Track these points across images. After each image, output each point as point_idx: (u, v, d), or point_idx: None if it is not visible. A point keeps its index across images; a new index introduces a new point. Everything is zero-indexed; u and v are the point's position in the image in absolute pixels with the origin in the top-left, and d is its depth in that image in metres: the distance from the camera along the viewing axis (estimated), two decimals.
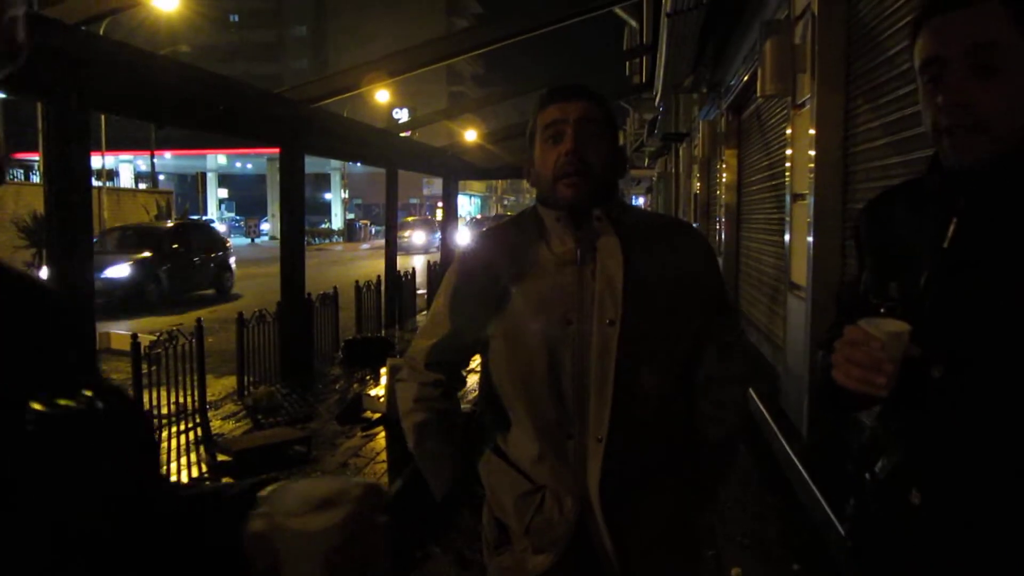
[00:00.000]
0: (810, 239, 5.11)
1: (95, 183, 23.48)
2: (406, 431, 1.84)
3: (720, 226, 11.14)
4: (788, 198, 6.20)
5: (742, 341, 1.90)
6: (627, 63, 24.95)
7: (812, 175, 5.07)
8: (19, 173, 33.12)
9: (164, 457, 5.51)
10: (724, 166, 10.84)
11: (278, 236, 10.50)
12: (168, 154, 45.81)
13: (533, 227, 1.74)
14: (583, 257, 1.66)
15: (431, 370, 1.82)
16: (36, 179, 24.75)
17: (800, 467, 4.64)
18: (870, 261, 1.42)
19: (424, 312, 12.27)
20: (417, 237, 35.52)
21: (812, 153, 5.10)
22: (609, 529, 1.64)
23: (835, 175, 4.95)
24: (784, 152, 6.55)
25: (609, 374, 1.61)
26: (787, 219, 6.27)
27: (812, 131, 5.12)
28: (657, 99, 15.57)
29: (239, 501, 0.71)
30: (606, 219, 1.67)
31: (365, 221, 51.51)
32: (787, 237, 6.24)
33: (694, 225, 10.43)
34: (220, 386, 7.64)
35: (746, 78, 8.21)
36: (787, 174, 6.27)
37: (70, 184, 5.02)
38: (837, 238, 4.92)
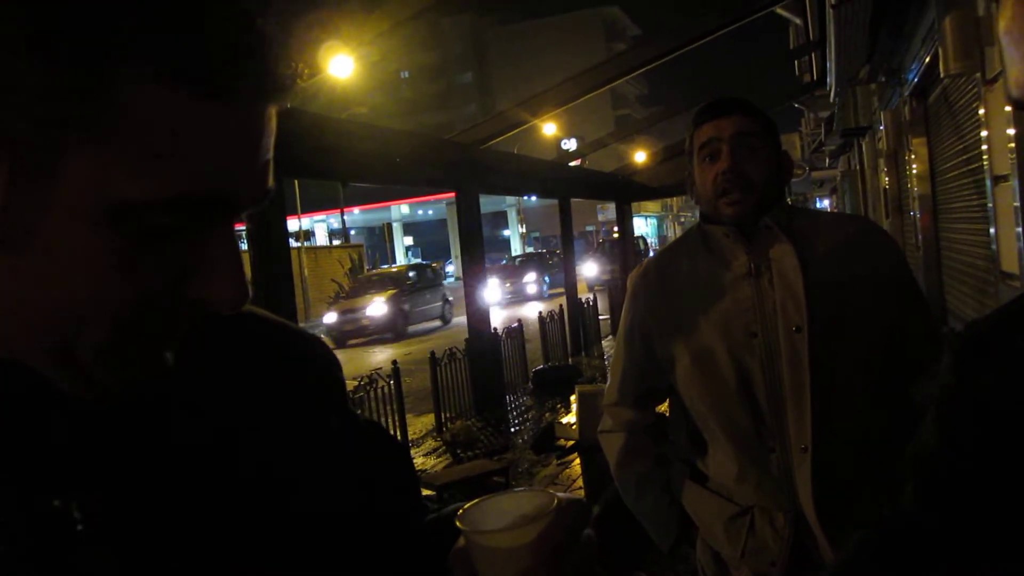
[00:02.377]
0: (1019, 226, 4.70)
1: (294, 244, 25.37)
2: (620, 486, 1.83)
3: (915, 219, 10.44)
4: (988, 182, 5.73)
5: (937, 335, 1.77)
6: (795, 62, 24.00)
7: (1013, 155, 4.67)
8: None
9: None
10: (913, 156, 10.17)
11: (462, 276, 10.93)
12: (356, 210, 48.61)
13: (701, 245, 1.73)
14: (758, 268, 1.62)
15: (632, 408, 1.81)
16: (244, 246, 27.04)
17: None
18: None
19: (610, 337, 12.27)
20: (529, 280, 28.25)
21: (1011, 131, 4.70)
22: (830, 541, 1.56)
23: None
24: (979, 134, 6.08)
25: (804, 381, 1.56)
26: (990, 205, 5.79)
27: (1009, 107, 4.72)
28: (832, 95, 14.88)
29: (444, 520, 0.74)
30: (775, 227, 1.63)
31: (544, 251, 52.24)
32: (992, 223, 5.77)
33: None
34: (420, 424, 7.96)
35: (928, 60, 7.70)
36: (984, 157, 5.80)
37: (271, 245, 5.46)
38: None
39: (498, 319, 10.89)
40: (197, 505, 0.63)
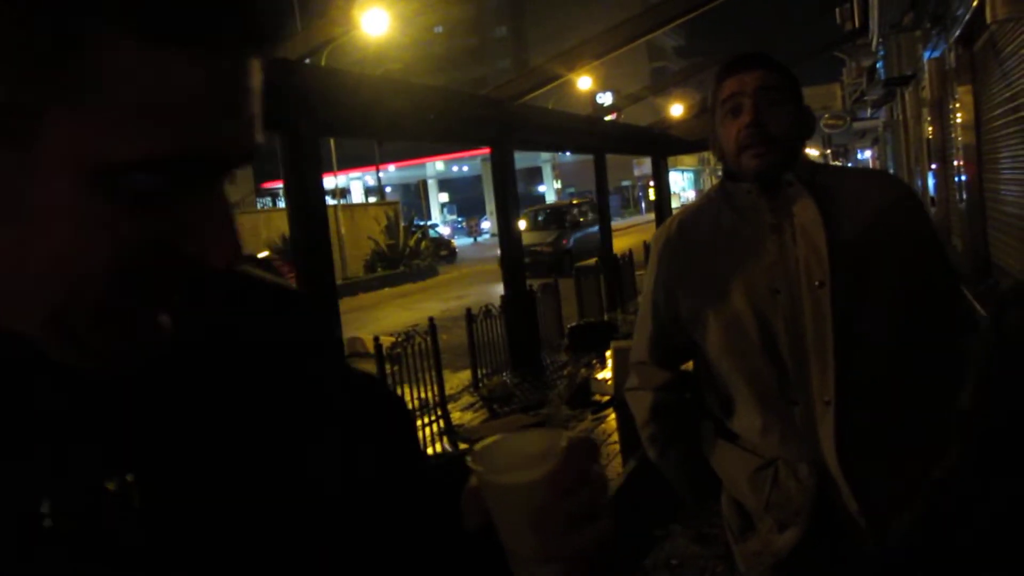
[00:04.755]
0: None
1: (331, 201, 25.47)
2: (645, 443, 1.85)
3: (959, 170, 10.21)
4: None
5: (960, 290, 1.77)
6: (836, 10, 23.38)
7: None
8: (268, 201, 36.60)
9: None
10: (958, 105, 9.90)
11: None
12: (392, 167, 48.73)
13: (724, 202, 1.73)
14: (780, 224, 1.63)
15: (658, 366, 1.83)
16: (283, 204, 27.26)
17: None
18: None
19: None
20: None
21: None
22: (852, 490, 1.58)
23: None
24: None
25: (827, 335, 1.57)
26: None
27: None
28: (874, 43, 14.50)
29: (456, 461, 0.75)
30: (798, 182, 1.63)
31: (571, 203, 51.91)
32: None
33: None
34: (457, 380, 8.05)
35: (974, 4, 7.45)
36: None
37: (308, 204, 5.51)
38: None
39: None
40: (225, 478, 0.64)
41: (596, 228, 17.72)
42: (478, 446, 0.69)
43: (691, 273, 1.73)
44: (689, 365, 1.86)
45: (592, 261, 12.10)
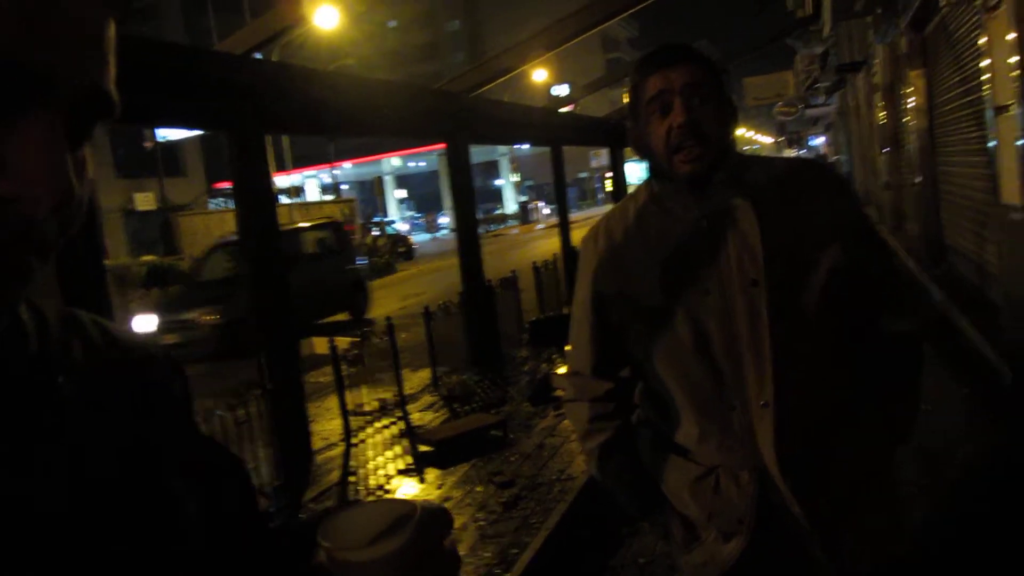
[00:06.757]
0: (1021, 153, 4.57)
1: (285, 200, 25.15)
2: (585, 456, 1.79)
3: (912, 154, 10.31)
4: (990, 113, 5.59)
5: (896, 272, 1.71)
6: None
7: (1017, 83, 4.53)
8: (220, 202, 36.10)
9: (372, 452, 5.77)
10: (910, 90, 10.00)
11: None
12: (348, 164, 48.24)
13: (652, 203, 1.65)
14: (711, 224, 1.56)
15: (594, 376, 1.75)
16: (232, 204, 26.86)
17: None
18: None
19: None
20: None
21: (1014, 59, 4.55)
22: (795, 494, 1.53)
23: None
24: (979, 64, 5.92)
25: (763, 336, 1.51)
26: (990, 135, 5.66)
27: (1012, 35, 4.57)
28: (826, 29, 14.62)
29: (305, 533, 0.70)
30: (730, 180, 1.56)
31: (535, 202, 51.95)
32: (993, 155, 5.64)
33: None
34: (417, 379, 7.92)
35: None
36: (985, 87, 5.65)
37: (256, 203, 5.33)
38: None
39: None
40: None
41: (352, 261, 14.55)
42: (328, 519, 0.68)
43: (621, 279, 1.66)
44: (627, 373, 1.78)
45: (343, 316, 9.96)
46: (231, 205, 27.70)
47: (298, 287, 9.50)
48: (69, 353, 0.63)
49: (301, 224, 15.88)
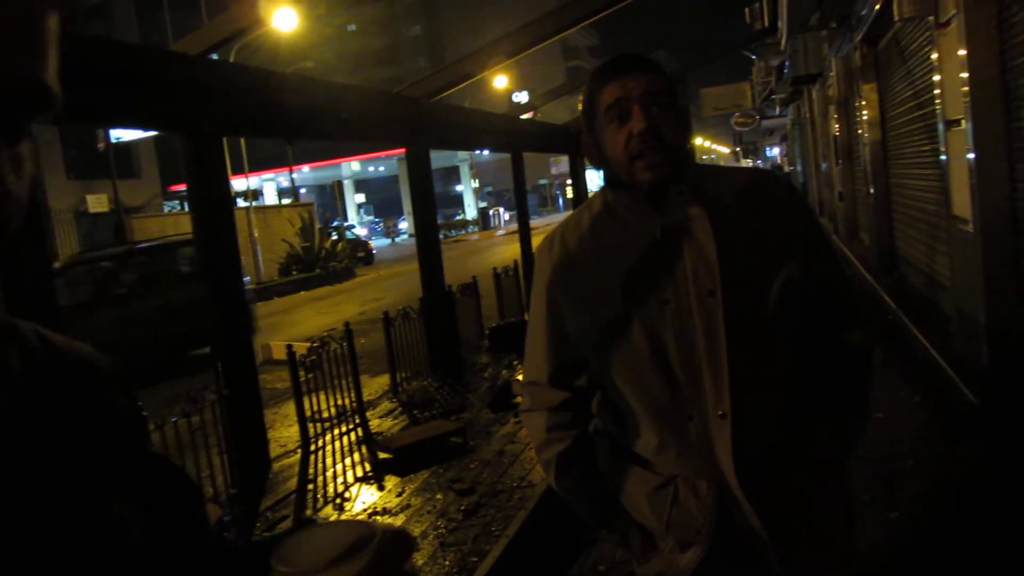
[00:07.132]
0: (972, 166, 4.68)
1: (243, 203, 24.82)
2: (543, 466, 1.77)
3: (865, 166, 10.50)
4: (941, 127, 5.72)
5: (848, 282, 1.73)
6: (747, 10, 23.97)
7: (967, 98, 4.64)
8: (175, 204, 35.53)
9: (331, 460, 5.71)
10: (863, 103, 10.19)
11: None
12: (306, 167, 47.77)
13: (607, 212, 1.65)
14: (668, 234, 1.56)
15: (551, 386, 1.73)
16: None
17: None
18: None
19: None
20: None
21: (964, 75, 4.66)
22: (753, 505, 1.53)
23: (993, 94, 4.51)
24: (931, 78, 6.06)
25: (719, 346, 1.51)
26: (941, 149, 5.79)
27: (962, 51, 4.68)
28: (783, 42, 14.85)
29: (258, 555, 0.68)
30: (687, 191, 1.56)
31: (496, 208, 51.96)
32: (944, 168, 5.77)
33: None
34: (375, 385, 7.85)
35: (878, 6, 7.64)
36: (936, 101, 5.78)
37: (212, 207, 5.25)
38: (1004, 161, 4.48)
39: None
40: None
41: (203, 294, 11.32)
42: (285, 542, 0.66)
43: (576, 289, 1.65)
44: (584, 382, 1.77)
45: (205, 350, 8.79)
46: (187, 208, 27.26)
47: (166, 311, 8.83)
48: (5, 364, 0.60)
49: (175, 238, 14.12)
